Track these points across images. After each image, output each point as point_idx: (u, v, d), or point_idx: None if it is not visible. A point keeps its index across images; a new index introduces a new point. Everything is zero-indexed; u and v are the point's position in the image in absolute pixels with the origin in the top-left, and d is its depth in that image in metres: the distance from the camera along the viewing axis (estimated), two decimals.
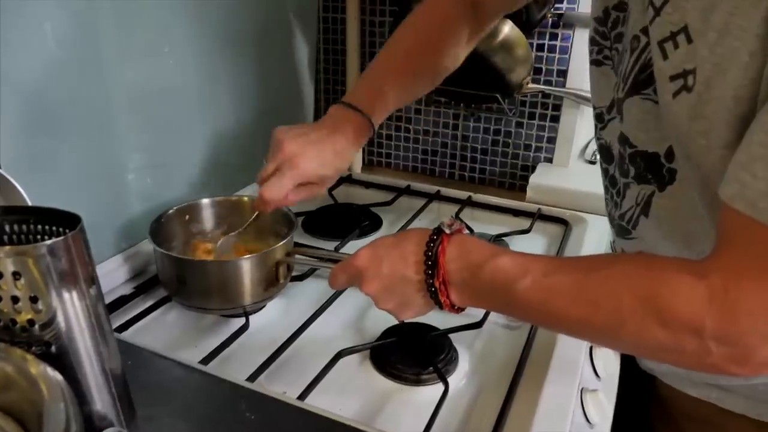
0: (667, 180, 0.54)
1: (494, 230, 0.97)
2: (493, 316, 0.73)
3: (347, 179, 1.18)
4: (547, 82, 1.10)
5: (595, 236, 0.93)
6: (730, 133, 0.41)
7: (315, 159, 0.68)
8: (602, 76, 0.62)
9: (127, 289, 0.77)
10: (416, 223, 1.00)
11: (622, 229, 0.63)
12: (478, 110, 1.17)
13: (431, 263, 0.52)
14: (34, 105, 0.65)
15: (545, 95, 1.12)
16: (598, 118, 0.64)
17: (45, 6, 0.63)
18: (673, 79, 0.45)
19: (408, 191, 1.12)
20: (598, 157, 0.67)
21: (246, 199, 0.83)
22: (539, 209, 1.03)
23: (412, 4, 1.01)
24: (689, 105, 0.43)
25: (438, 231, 0.53)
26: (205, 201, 0.83)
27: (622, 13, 0.57)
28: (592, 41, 0.62)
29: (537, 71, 1.10)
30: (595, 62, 0.63)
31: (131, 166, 0.80)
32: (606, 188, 0.66)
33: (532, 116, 1.15)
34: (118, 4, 0.72)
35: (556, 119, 1.13)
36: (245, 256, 0.70)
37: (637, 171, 0.56)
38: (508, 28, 1.00)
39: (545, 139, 1.16)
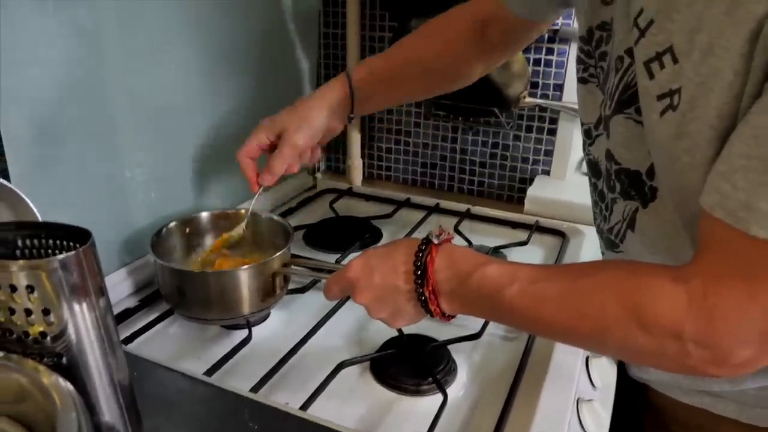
0: (649, 197, 0.55)
1: (493, 242, 0.98)
2: (492, 327, 0.74)
3: (348, 192, 1.19)
4: (544, 96, 1.12)
5: (591, 248, 0.95)
6: (713, 150, 0.43)
7: (274, 116, 0.76)
8: (589, 93, 0.63)
9: (132, 302, 0.78)
10: (416, 236, 1.02)
11: (610, 242, 0.64)
12: (476, 124, 1.19)
13: (420, 273, 0.53)
14: (42, 121, 0.66)
15: (542, 109, 1.13)
16: (587, 134, 0.65)
17: (51, 23, 0.65)
18: (660, 99, 0.46)
19: (408, 204, 1.14)
20: (587, 171, 0.69)
21: (243, 212, 0.85)
22: (537, 221, 1.05)
23: (411, 20, 1.04)
24: (675, 123, 0.45)
25: (427, 241, 0.55)
26: (205, 214, 0.84)
27: (605, 32, 0.59)
28: (579, 60, 0.64)
29: (534, 85, 1.12)
30: (581, 80, 0.64)
31: (136, 180, 0.81)
32: (595, 202, 0.67)
33: (529, 129, 1.17)
34: (123, 19, 0.74)
35: (553, 132, 1.15)
36: (242, 267, 0.71)
37: (623, 187, 0.58)
38: None
39: (542, 152, 1.17)
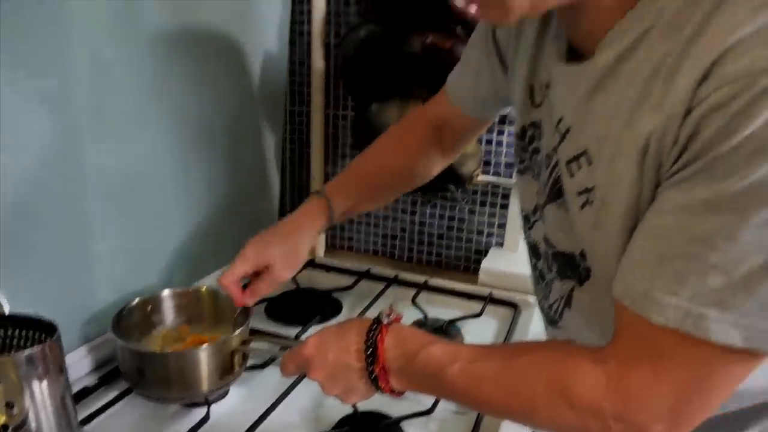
0: (583, 276, 0.60)
1: (448, 314, 1.02)
2: (443, 403, 0.77)
3: (310, 263, 1.23)
4: (496, 173, 1.19)
5: (541, 320, 0.99)
6: (623, 242, 0.49)
7: (258, 244, 0.77)
8: (526, 183, 0.69)
9: (91, 380, 0.79)
10: (375, 307, 1.05)
11: (550, 318, 0.69)
12: (434, 198, 1.25)
13: (371, 352, 0.57)
14: (10, 196, 0.68)
15: (495, 185, 1.21)
16: (526, 219, 0.71)
17: (21, 96, 0.68)
18: (579, 194, 0.53)
19: (368, 275, 1.18)
20: (528, 253, 0.74)
21: (204, 290, 0.88)
22: (490, 293, 1.10)
23: (372, 104, 1.11)
24: (592, 216, 0.51)
25: (377, 321, 0.59)
26: (166, 292, 0.87)
27: (536, 130, 0.65)
28: (516, 153, 0.70)
29: (486, 163, 1.19)
30: (519, 171, 0.70)
31: (103, 254, 0.84)
32: (536, 281, 0.72)
33: (483, 204, 1.23)
34: (95, 92, 0.78)
35: (505, 207, 1.22)
36: (200, 347, 0.73)
37: (559, 267, 0.63)
38: None
39: (496, 225, 1.24)
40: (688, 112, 0.41)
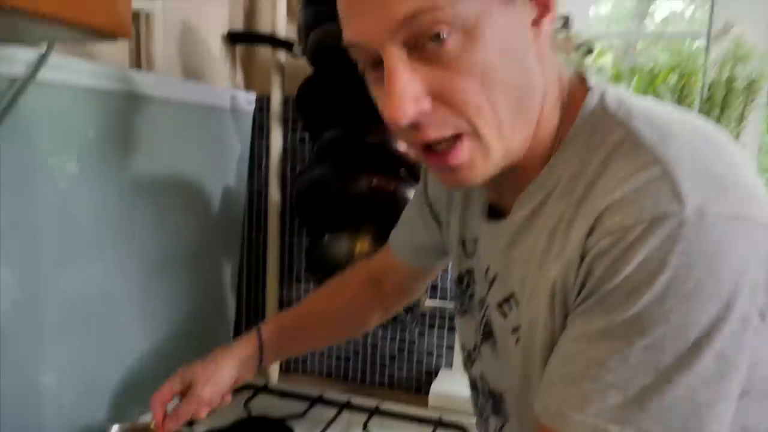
0: (509, 415, 0.65)
1: None
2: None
3: (263, 389, 1.24)
4: (443, 298, 1.26)
5: None
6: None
7: (190, 365, 0.82)
8: (465, 323, 0.75)
9: None
10: None
11: None
12: (386, 321, 1.30)
13: None
14: None
15: (442, 308, 1.27)
16: (468, 356, 0.76)
17: None
18: (512, 333, 0.59)
19: (321, 401, 1.19)
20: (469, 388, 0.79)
21: (151, 425, 0.88)
22: (440, 416, 1.12)
23: (324, 236, 1.18)
24: (520, 352, 0.58)
25: None
26: (115, 427, 0.87)
27: (471, 276, 0.73)
28: (456, 297, 0.77)
29: (433, 288, 1.26)
30: (459, 312, 0.77)
31: (53, 389, 0.84)
32: (477, 415, 0.77)
33: (432, 326, 1.29)
34: (60, 221, 0.82)
35: (452, 329, 1.28)
36: None
37: (493, 404, 0.68)
38: None
39: (444, 347, 1.29)
40: (582, 258, 0.49)
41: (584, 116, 0.54)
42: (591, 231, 0.48)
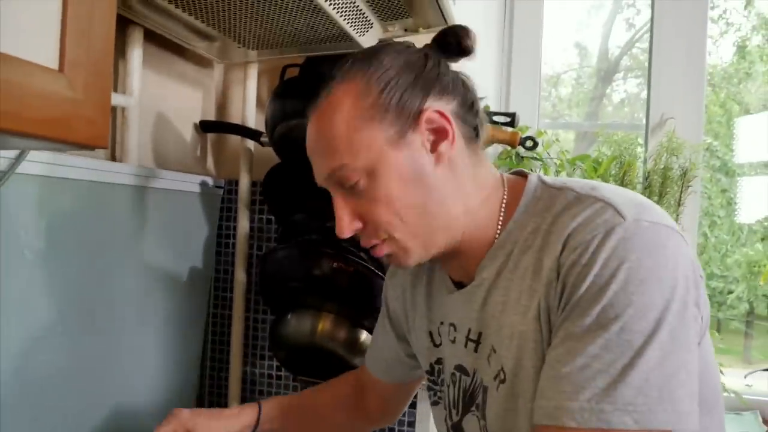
0: None
1: None
2: None
3: None
4: None
5: None
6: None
7: (191, 411, 0.87)
8: (439, 412, 0.80)
9: None
10: None
11: None
12: None
13: None
14: None
15: None
16: None
17: None
18: (494, 379, 0.66)
19: None
20: None
21: None
22: None
23: (288, 314, 1.21)
24: (507, 390, 0.64)
25: None
26: None
27: (441, 365, 0.79)
28: (428, 388, 0.82)
29: None
30: (433, 403, 0.82)
31: None
32: None
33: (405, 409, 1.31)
34: (25, 302, 0.85)
35: (413, 405, 1.30)
36: None
37: None
38: (364, 336, 1.22)
39: (406, 423, 1.31)
40: (557, 275, 0.59)
41: (528, 193, 0.68)
42: (561, 252, 0.59)
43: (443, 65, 0.68)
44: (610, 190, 0.63)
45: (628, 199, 0.62)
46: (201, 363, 1.37)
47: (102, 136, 0.61)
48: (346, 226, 0.67)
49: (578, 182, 0.66)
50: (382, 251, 0.68)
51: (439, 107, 0.65)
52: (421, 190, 0.65)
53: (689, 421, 0.54)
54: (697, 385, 0.56)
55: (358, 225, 0.67)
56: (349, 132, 0.64)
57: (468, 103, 0.69)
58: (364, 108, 0.64)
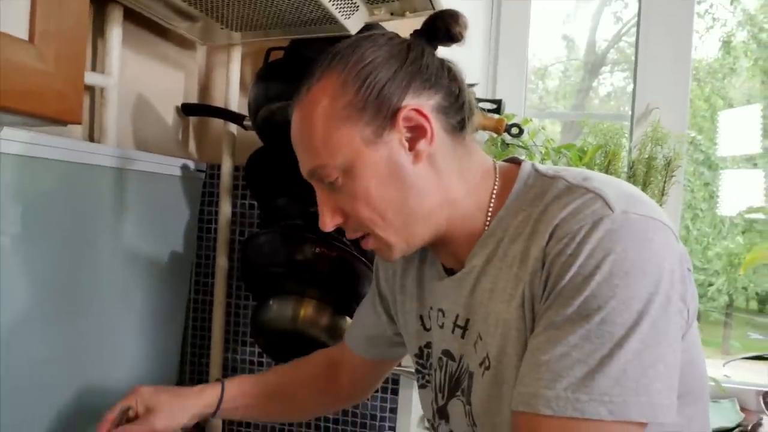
0: None
1: None
2: None
3: None
4: None
5: None
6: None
7: (151, 388, 0.86)
8: (426, 395, 0.80)
9: None
10: None
11: None
12: None
13: None
14: None
15: None
16: (432, 427, 0.80)
17: None
18: (480, 365, 0.66)
19: None
20: None
21: None
22: None
23: (269, 300, 1.20)
24: (491, 378, 0.64)
25: None
26: None
27: (430, 349, 0.79)
28: (416, 371, 0.82)
29: None
30: (421, 386, 0.81)
31: None
32: None
33: (376, 390, 1.31)
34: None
35: (395, 392, 1.30)
36: None
37: None
38: (347, 321, 1.21)
39: (388, 410, 1.31)
40: (543, 265, 0.60)
41: (521, 180, 0.68)
42: (548, 242, 0.59)
43: (428, 56, 0.67)
44: (602, 181, 0.63)
45: (619, 190, 0.61)
46: (182, 349, 1.35)
47: (74, 110, 0.59)
48: (329, 221, 0.68)
49: (571, 171, 0.66)
50: (368, 245, 0.69)
51: (417, 104, 0.64)
52: (399, 188, 0.65)
53: (666, 414, 0.54)
54: (676, 378, 0.56)
55: (340, 219, 0.68)
56: (326, 132, 0.64)
57: (453, 94, 0.68)
58: (340, 107, 0.64)
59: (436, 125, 0.65)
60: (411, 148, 0.65)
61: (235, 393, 0.90)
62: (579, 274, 0.56)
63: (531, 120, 1.41)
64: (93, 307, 1.03)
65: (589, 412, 0.53)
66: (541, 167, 0.69)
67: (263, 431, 1.37)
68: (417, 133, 0.65)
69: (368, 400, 1.31)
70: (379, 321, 0.89)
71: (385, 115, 0.63)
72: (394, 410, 1.31)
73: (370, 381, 0.98)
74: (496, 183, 0.69)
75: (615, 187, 0.62)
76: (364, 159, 0.64)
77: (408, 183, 0.65)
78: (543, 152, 1.35)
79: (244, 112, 1.23)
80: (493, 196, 0.69)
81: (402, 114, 0.63)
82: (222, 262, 1.32)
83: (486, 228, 0.68)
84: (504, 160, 0.74)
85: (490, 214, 0.68)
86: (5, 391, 0.86)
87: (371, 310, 0.91)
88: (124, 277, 1.10)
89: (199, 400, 0.88)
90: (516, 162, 0.72)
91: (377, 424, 1.31)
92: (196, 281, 1.39)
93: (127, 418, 0.84)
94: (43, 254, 0.91)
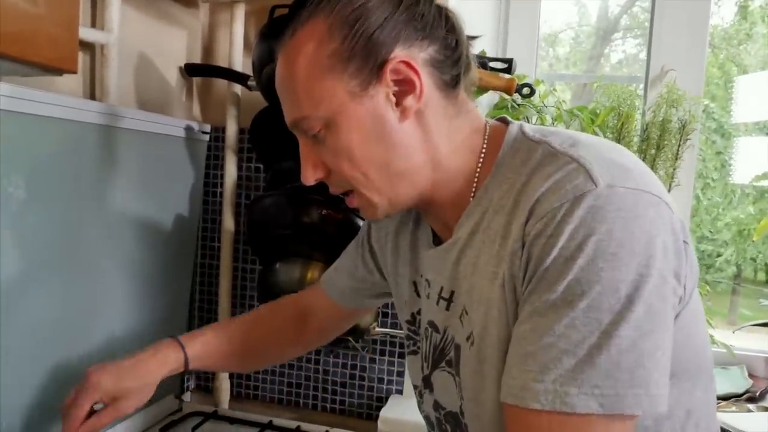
0: (468, 428, 0.68)
1: None
2: None
3: (213, 415, 1.24)
4: (393, 325, 1.29)
5: None
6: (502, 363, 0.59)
7: (111, 374, 0.80)
8: (415, 362, 0.78)
9: None
10: None
11: None
12: (336, 347, 1.32)
13: None
14: None
15: (392, 335, 1.30)
16: (419, 394, 0.78)
17: None
18: (467, 340, 0.64)
19: (270, 426, 1.20)
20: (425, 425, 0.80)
21: None
22: None
23: (276, 263, 1.19)
24: (475, 354, 0.63)
25: None
26: None
27: (420, 316, 0.77)
28: (407, 337, 0.80)
29: (384, 315, 1.29)
30: (411, 353, 0.80)
31: None
32: None
33: (382, 353, 1.31)
34: (10, 245, 0.84)
35: (402, 355, 1.30)
36: None
37: (452, 428, 0.71)
38: None
39: (395, 373, 1.31)
40: (522, 245, 0.56)
41: (507, 144, 0.64)
42: (527, 220, 0.56)
43: (424, 2, 0.63)
44: (589, 149, 0.58)
45: (607, 160, 0.56)
46: (189, 313, 1.35)
47: (69, 58, 0.57)
48: (310, 174, 0.66)
49: (560, 135, 0.61)
50: (353, 203, 0.67)
51: (407, 56, 0.60)
52: (383, 146, 0.62)
53: (659, 404, 0.52)
54: (669, 362, 0.54)
55: (321, 174, 0.66)
56: (309, 81, 0.61)
57: (449, 46, 0.63)
58: (325, 56, 0.60)
59: (426, 80, 0.61)
60: (398, 104, 0.61)
61: (199, 352, 0.87)
62: (561, 256, 0.52)
63: (542, 82, 1.37)
64: (95, 273, 1.02)
65: (579, 407, 0.50)
66: (529, 129, 0.64)
67: (271, 393, 1.38)
68: (405, 87, 0.61)
69: (375, 363, 1.31)
70: (366, 272, 0.87)
71: (372, 66, 0.59)
72: (401, 373, 1.31)
73: (338, 327, 0.98)
74: (485, 146, 0.66)
75: (602, 156, 0.57)
76: (348, 113, 0.61)
77: (393, 141, 0.62)
78: (555, 114, 1.32)
79: (249, 72, 1.20)
80: (481, 159, 0.65)
81: (390, 66, 0.59)
82: (228, 225, 1.31)
83: (472, 197, 0.65)
84: (495, 119, 0.70)
85: (476, 181, 0.65)
86: (6, 354, 0.86)
87: (359, 263, 0.88)
88: (128, 239, 1.09)
89: (163, 368, 0.84)
90: (505, 122, 0.68)
91: (384, 387, 1.31)
92: (202, 245, 1.39)
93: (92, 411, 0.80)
94: (45, 215, 0.90)
